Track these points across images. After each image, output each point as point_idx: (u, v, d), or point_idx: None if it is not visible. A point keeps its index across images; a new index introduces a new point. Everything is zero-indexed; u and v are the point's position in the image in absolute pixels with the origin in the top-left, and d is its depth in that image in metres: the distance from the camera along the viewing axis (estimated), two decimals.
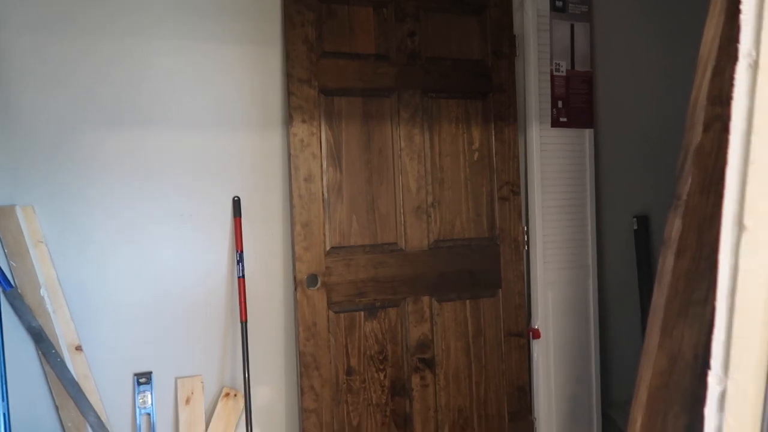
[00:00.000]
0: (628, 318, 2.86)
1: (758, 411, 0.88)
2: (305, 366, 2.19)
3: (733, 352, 0.89)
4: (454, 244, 2.42)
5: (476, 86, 2.46)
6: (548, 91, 2.57)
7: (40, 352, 1.95)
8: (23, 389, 1.96)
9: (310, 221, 2.20)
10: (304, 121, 2.18)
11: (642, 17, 2.84)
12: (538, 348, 2.54)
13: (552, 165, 2.58)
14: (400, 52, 2.32)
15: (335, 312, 2.24)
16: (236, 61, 2.21)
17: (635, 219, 2.85)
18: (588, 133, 2.67)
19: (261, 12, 2.24)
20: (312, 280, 2.20)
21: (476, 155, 2.46)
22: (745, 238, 0.86)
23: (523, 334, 2.53)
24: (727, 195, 0.89)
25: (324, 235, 2.23)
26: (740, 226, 0.87)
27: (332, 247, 2.24)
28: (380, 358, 2.30)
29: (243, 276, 2.17)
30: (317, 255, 2.21)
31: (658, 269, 1.55)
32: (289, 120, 2.18)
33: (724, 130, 1.41)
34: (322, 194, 2.22)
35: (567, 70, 2.62)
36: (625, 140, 2.83)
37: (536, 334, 2.53)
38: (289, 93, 2.17)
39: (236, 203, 2.21)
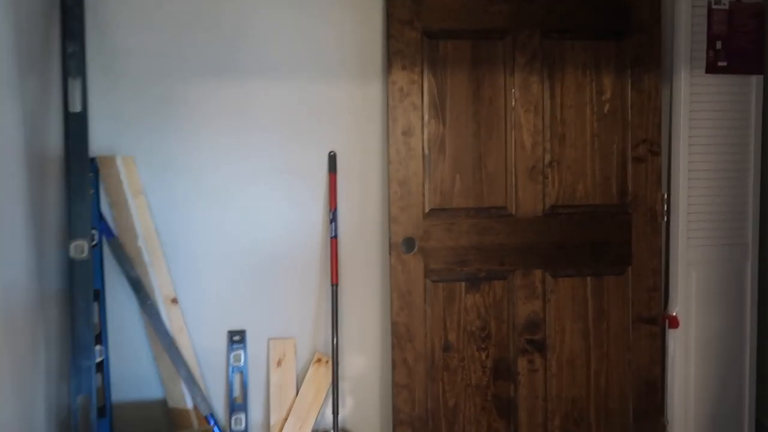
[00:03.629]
0: None
1: None
2: (398, 337, 2.01)
3: None
4: (574, 211, 2.09)
5: (611, 25, 2.07)
6: (704, 29, 2.12)
7: (139, 302, 1.98)
8: (125, 337, 2.01)
9: (407, 179, 2.00)
10: (404, 68, 1.97)
11: None
12: (675, 338, 2.14)
13: (704, 119, 2.13)
14: None
15: (433, 281, 2.03)
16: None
17: None
18: (756, 80, 2.16)
19: None
20: (408, 244, 2.01)
21: (607, 107, 2.09)
22: None
23: (657, 320, 2.14)
24: None
25: (423, 195, 2.01)
26: None
27: (432, 209, 2.02)
28: (482, 335, 2.06)
29: (336, 236, 2.04)
30: (415, 217, 2.01)
31: None
32: (387, 66, 1.98)
33: None
34: (422, 149, 2.00)
35: (730, 3, 2.12)
36: None
37: (674, 323, 2.13)
38: (388, 36, 1.96)
39: (332, 158, 2.07)
